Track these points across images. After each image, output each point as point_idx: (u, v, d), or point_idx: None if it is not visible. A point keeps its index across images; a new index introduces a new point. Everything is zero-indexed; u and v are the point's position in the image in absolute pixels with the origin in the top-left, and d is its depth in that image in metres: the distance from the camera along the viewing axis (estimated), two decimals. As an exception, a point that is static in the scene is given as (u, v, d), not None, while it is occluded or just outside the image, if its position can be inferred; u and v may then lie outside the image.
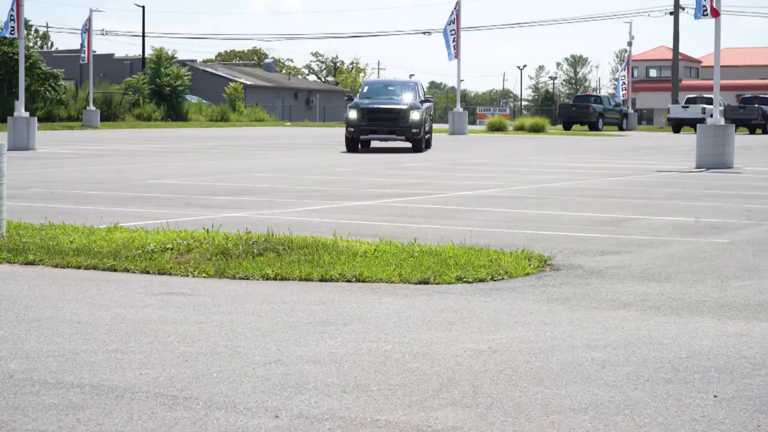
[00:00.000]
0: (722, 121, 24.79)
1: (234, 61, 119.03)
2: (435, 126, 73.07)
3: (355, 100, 31.30)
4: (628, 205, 14.83)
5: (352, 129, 30.43)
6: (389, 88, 32.63)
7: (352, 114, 30.42)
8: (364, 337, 6.32)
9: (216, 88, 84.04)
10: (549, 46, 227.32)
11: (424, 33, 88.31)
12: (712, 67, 28.77)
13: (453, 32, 47.11)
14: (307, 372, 5.44)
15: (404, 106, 30.40)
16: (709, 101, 54.98)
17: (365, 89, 32.37)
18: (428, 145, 32.49)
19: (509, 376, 5.41)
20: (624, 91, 64.88)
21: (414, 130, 30.28)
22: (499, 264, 8.85)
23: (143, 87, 65.55)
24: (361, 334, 6.41)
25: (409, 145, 32.07)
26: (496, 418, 4.71)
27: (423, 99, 31.66)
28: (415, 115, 30.30)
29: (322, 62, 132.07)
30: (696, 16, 24.01)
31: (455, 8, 47.19)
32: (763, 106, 58.14)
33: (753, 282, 8.50)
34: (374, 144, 33.48)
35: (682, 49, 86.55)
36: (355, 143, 30.81)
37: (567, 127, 62.05)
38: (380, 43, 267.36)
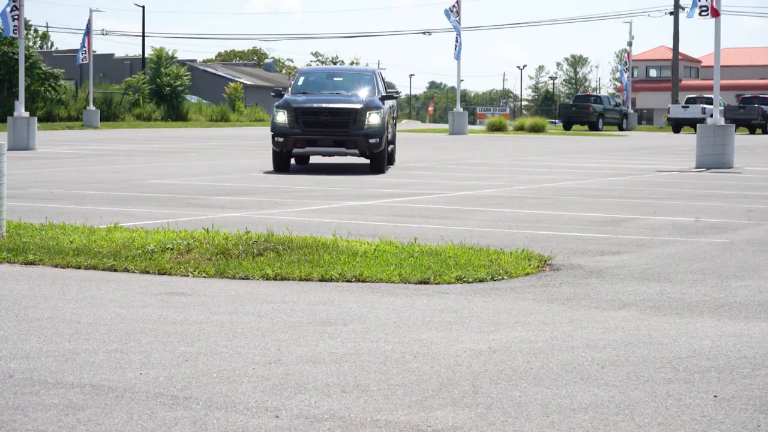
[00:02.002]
0: (722, 121, 24.79)
1: (234, 61, 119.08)
2: (435, 126, 73.01)
3: (286, 96, 21.46)
4: (628, 205, 14.83)
5: (280, 139, 20.66)
6: (335, 78, 22.77)
7: (281, 117, 20.79)
8: (364, 337, 6.32)
9: (216, 88, 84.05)
10: (549, 46, 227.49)
11: (424, 33, 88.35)
12: (712, 67, 28.78)
13: (457, 24, 47.14)
14: (307, 372, 5.44)
15: (358, 106, 20.88)
16: (709, 101, 54.99)
17: (300, 81, 22.37)
18: (391, 161, 23.01)
19: (509, 376, 5.41)
20: (625, 91, 64.97)
21: (373, 141, 20.59)
22: (499, 264, 8.85)
23: (143, 87, 65.57)
24: (361, 334, 6.41)
25: (363, 161, 22.92)
26: (496, 418, 4.71)
27: (385, 94, 22.10)
28: (373, 119, 20.70)
29: (322, 62, 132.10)
30: (689, 15, 23.99)
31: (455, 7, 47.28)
32: (763, 106, 58.17)
33: (753, 282, 8.50)
34: (315, 159, 24.00)
35: (682, 49, 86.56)
36: (285, 160, 21.19)
37: (567, 127, 62.07)
38: (380, 43, 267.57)
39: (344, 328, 6.55)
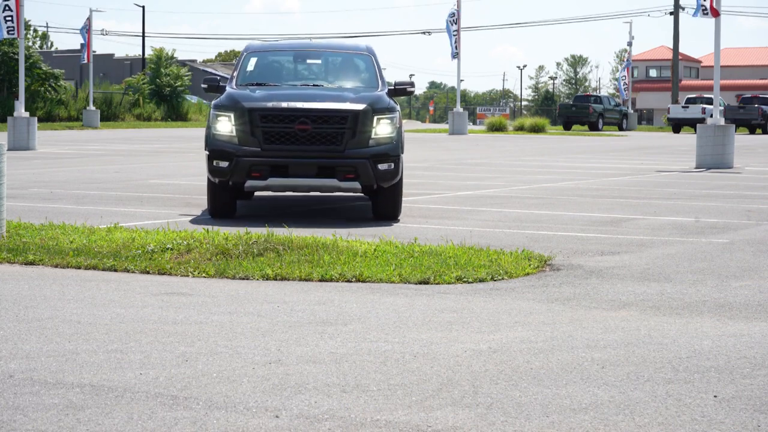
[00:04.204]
0: (722, 121, 24.80)
1: (234, 61, 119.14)
2: (434, 126, 72.89)
3: (230, 89, 13.13)
4: (628, 205, 14.83)
5: (223, 164, 12.28)
6: (310, 61, 14.30)
7: (224, 125, 12.43)
8: (364, 337, 6.32)
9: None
10: (549, 46, 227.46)
11: (424, 33, 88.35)
12: (712, 67, 28.80)
13: (455, 32, 47.12)
14: (307, 372, 5.44)
15: (358, 106, 12.47)
16: (709, 101, 55.04)
17: (251, 64, 13.85)
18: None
19: (509, 376, 5.41)
20: (626, 91, 65.00)
21: (384, 167, 12.38)
22: (499, 264, 8.85)
23: (143, 87, 65.58)
24: (361, 334, 6.41)
25: (355, 194, 14.00)
26: (496, 418, 4.71)
27: (394, 88, 13.42)
28: (384, 128, 12.51)
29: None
30: (694, 14, 24.04)
31: (455, 7, 47.27)
32: (763, 106, 58.21)
33: (753, 282, 8.50)
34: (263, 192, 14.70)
35: (682, 49, 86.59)
36: (230, 198, 12.67)
37: (567, 127, 62.10)
38: (380, 43, 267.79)
39: (344, 328, 6.55)
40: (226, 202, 12.60)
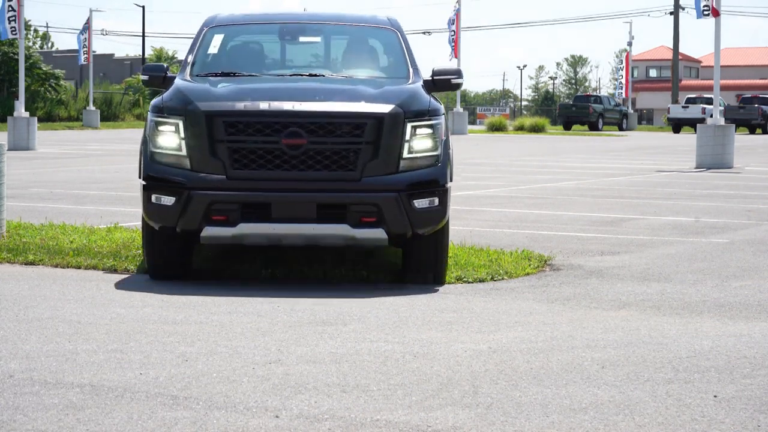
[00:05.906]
0: (722, 121, 24.81)
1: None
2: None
3: (181, 81, 8.52)
4: (628, 205, 14.83)
5: (168, 202, 7.78)
6: (302, 39, 9.81)
7: (168, 139, 7.88)
8: (364, 337, 6.32)
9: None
10: (549, 46, 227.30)
11: (424, 33, 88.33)
12: (712, 67, 28.81)
13: (452, 33, 47.16)
14: (307, 372, 5.44)
15: (379, 108, 7.85)
16: (709, 101, 55.05)
17: (214, 45, 9.23)
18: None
19: (509, 376, 5.41)
20: (622, 90, 64.99)
21: (423, 205, 7.83)
22: (499, 264, 8.86)
23: (143, 87, 65.61)
24: (361, 334, 6.41)
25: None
26: (496, 418, 4.71)
27: (432, 78, 8.73)
28: (422, 143, 7.92)
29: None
30: (698, 16, 24.06)
31: (456, 8, 47.28)
32: (763, 106, 58.26)
33: (753, 282, 8.50)
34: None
35: (682, 49, 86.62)
36: (179, 251, 8.22)
37: (567, 127, 62.13)
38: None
39: (344, 328, 6.55)
40: (173, 256, 8.31)
